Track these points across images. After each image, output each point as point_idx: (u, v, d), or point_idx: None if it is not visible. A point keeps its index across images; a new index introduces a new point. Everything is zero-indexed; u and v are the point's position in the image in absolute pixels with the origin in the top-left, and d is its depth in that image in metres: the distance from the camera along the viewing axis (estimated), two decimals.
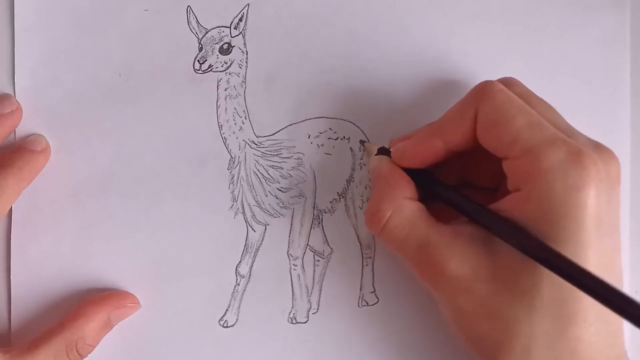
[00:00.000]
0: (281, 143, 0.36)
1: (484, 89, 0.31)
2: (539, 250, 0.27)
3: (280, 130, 0.36)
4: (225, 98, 0.36)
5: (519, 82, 0.33)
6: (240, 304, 0.36)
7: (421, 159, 0.32)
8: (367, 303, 0.37)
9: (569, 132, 0.30)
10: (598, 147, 0.30)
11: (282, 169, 0.36)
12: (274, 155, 0.36)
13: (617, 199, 0.30)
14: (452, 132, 0.31)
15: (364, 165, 0.37)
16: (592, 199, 0.27)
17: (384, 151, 0.34)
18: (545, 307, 0.28)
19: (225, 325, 0.36)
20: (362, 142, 0.36)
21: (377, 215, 0.31)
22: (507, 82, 0.32)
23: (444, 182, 0.33)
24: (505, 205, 0.29)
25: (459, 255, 0.29)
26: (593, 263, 0.27)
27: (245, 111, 0.36)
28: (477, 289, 0.29)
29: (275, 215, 0.36)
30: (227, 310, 0.36)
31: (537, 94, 0.33)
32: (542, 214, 0.28)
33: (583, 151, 0.28)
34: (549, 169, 0.28)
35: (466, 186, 0.34)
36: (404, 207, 0.31)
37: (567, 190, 0.27)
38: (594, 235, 0.27)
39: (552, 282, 0.27)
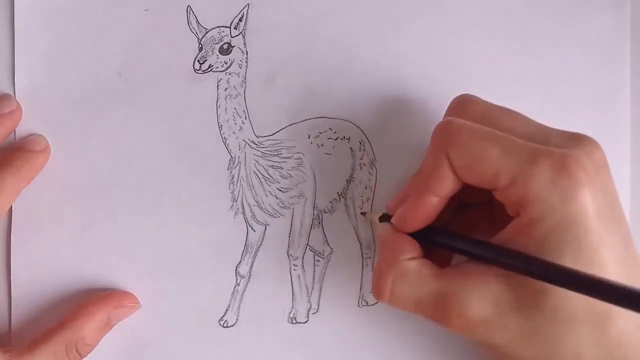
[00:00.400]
0: (281, 143, 0.36)
1: (446, 131, 0.30)
2: (554, 275, 0.27)
3: (280, 130, 0.36)
4: (225, 98, 0.36)
5: (475, 99, 0.32)
6: (240, 304, 0.36)
7: (424, 220, 0.31)
8: (367, 303, 0.37)
9: (542, 134, 0.30)
10: (575, 139, 0.29)
11: (282, 169, 0.36)
12: (274, 155, 0.36)
13: (612, 188, 0.29)
14: (439, 184, 0.30)
15: (364, 165, 0.37)
16: (590, 203, 0.27)
17: (386, 217, 0.33)
18: (580, 313, 0.27)
19: (225, 325, 0.36)
20: (363, 213, 0.36)
21: (379, 285, 0.31)
22: (465, 103, 0.32)
23: (443, 229, 0.32)
24: (510, 234, 0.29)
25: (477, 296, 0.28)
26: (610, 259, 0.27)
27: (245, 111, 0.36)
28: (508, 322, 0.28)
29: (275, 215, 0.36)
30: (227, 310, 0.36)
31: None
32: (548, 233, 0.27)
33: (566, 157, 0.27)
34: (540, 189, 0.27)
35: (462, 206, 0.34)
36: (408, 270, 0.30)
37: (564, 203, 0.27)
38: (603, 234, 0.27)
39: None
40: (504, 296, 0.28)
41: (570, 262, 0.27)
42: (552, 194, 0.27)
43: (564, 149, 0.28)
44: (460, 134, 0.29)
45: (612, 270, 0.27)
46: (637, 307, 0.24)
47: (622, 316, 0.27)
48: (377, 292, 0.31)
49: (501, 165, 0.28)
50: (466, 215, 0.34)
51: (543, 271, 0.27)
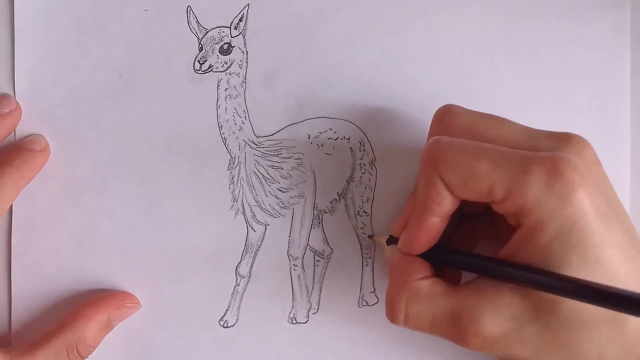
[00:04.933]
0: (281, 143, 0.36)
1: (434, 153, 0.29)
2: (565, 287, 0.27)
3: (280, 130, 0.36)
4: (225, 98, 0.36)
5: (457, 110, 0.32)
6: (240, 304, 0.36)
7: (429, 242, 0.31)
8: (367, 303, 0.37)
9: (529, 139, 0.30)
10: (563, 140, 0.29)
11: (282, 169, 0.36)
12: (274, 155, 0.36)
13: (607, 184, 0.29)
14: (438, 206, 0.30)
15: (364, 165, 0.37)
16: (587, 203, 0.27)
17: (393, 240, 0.33)
18: (596, 314, 0.27)
19: (225, 325, 0.36)
20: (370, 236, 0.36)
21: (392, 308, 0.31)
22: (448, 116, 0.31)
23: (451, 249, 0.32)
24: (515, 246, 0.29)
25: (493, 312, 0.28)
26: (617, 257, 0.27)
27: (245, 111, 0.36)
28: (526, 334, 0.28)
29: (275, 215, 0.36)
30: (227, 310, 0.36)
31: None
32: (551, 240, 0.27)
33: (557, 161, 0.27)
34: (537, 198, 0.27)
35: (464, 216, 0.34)
36: (419, 291, 0.30)
37: (562, 208, 0.27)
38: (606, 233, 0.27)
39: None
40: (520, 308, 0.28)
41: (577, 265, 0.27)
42: (549, 201, 0.27)
43: (553, 152, 0.28)
44: (449, 154, 0.29)
45: (620, 268, 0.27)
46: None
47: None
48: (391, 315, 0.31)
49: (494, 179, 0.28)
50: (469, 224, 0.34)
51: (553, 284, 0.27)
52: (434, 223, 0.30)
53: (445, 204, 0.30)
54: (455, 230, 0.33)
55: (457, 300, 0.29)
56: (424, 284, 0.30)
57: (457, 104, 0.32)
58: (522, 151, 0.28)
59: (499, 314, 0.28)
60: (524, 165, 0.27)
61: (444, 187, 0.29)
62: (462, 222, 0.34)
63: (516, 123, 0.31)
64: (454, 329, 0.29)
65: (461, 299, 0.29)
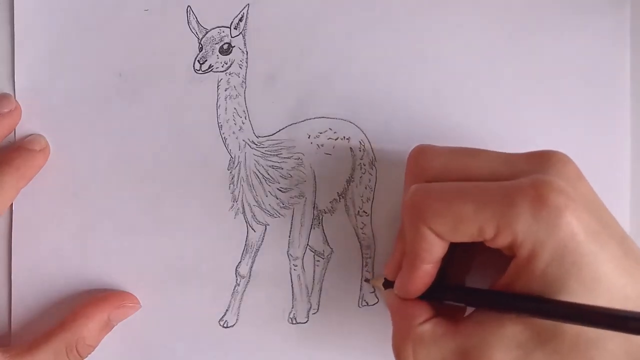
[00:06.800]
0: (281, 143, 0.36)
1: (416, 204, 0.29)
2: (563, 314, 0.27)
3: (280, 130, 0.36)
4: (225, 98, 0.36)
5: (430, 150, 0.32)
6: (240, 304, 0.36)
7: (424, 286, 0.31)
8: (367, 303, 0.37)
9: (508, 166, 0.29)
10: (542, 160, 0.29)
11: (282, 169, 0.36)
12: (274, 155, 0.36)
13: (594, 197, 0.29)
14: (428, 253, 0.30)
15: (364, 165, 0.37)
16: (576, 225, 0.27)
17: (389, 283, 0.33)
18: (601, 330, 0.27)
19: (225, 325, 0.36)
20: (367, 280, 0.36)
21: (401, 356, 0.30)
22: (422, 159, 0.31)
23: (449, 286, 0.32)
24: (511, 276, 0.29)
25: (498, 344, 0.28)
26: (612, 272, 0.27)
27: (245, 111, 0.36)
28: None
29: (275, 215, 0.36)
30: (227, 310, 0.36)
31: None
32: (546, 266, 0.27)
33: (540, 188, 0.27)
34: (525, 229, 0.27)
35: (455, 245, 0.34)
36: (424, 335, 0.30)
37: (551, 234, 0.27)
38: (598, 251, 0.27)
39: None
40: (523, 336, 0.28)
41: (574, 287, 0.27)
42: (538, 230, 0.27)
43: (535, 176, 0.28)
44: (432, 202, 0.29)
45: (617, 282, 0.27)
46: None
47: None
48: None
49: (482, 220, 0.28)
50: (462, 251, 0.34)
51: (553, 311, 0.27)
52: (427, 269, 0.30)
53: (435, 250, 0.30)
54: (450, 260, 0.33)
55: (461, 339, 0.29)
56: (427, 328, 0.30)
57: (430, 144, 0.32)
58: (503, 183, 0.28)
59: (505, 345, 0.28)
60: (509, 198, 0.27)
61: (433, 235, 0.29)
62: (456, 249, 0.34)
63: (491, 151, 0.31)
64: None
65: (465, 336, 0.29)
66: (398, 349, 0.31)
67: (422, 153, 0.32)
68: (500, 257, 0.29)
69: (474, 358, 0.29)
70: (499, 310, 0.29)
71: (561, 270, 0.27)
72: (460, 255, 0.34)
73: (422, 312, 0.31)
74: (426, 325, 0.30)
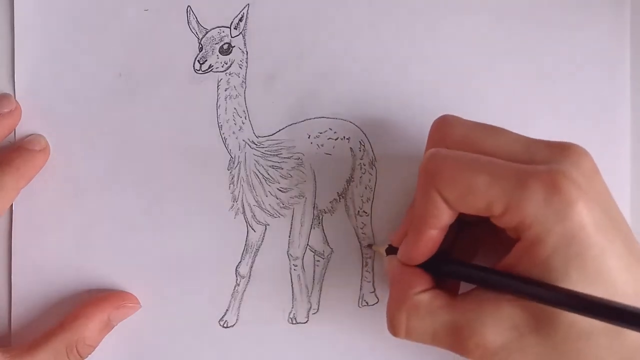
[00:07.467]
0: (281, 143, 0.36)
1: (432, 166, 0.29)
2: (563, 300, 0.27)
3: (280, 130, 0.36)
4: (225, 98, 0.36)
5: (454, 121, 0.31)
6: (240, 304, 0.36)
7: (428, 253, 0.31)
8: (367, 303, 0.37)
9: (527, 150, 0.29)
10: (561, 150, 0.29)
11: (282, 169, 0.36)
12: (274, 155, 0.36)
13: (607, 194, 0.29)
14: (435, 219, 0.30)
15: (364, 165, 0.37)
16: (586, 217, 0.27)
17: (392, 250, 0.33)
18: (596, 324, 0.27)
19: (225, 325, 0.36)
20: (369, 245, 0.36)
21: (393, 322, 0.31)
22: (445, 127, 0.31)
23: (451, 260, 0.32)
24: (514, 258, 0.29)
25: (493, 324, 0.28)
26: (616, 268, 0.27)
27: (245, 111, 0.36)
28: (526, 345, 0.28)
29: (275, 215, 0.36)
30: (227, 310, 0.36)
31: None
32: (551, 253, 0.27)
33: (555, 175, 0.27)
34: (535, 213, 0.27)
35: (464, 224, 0.34)
36: (420, 304, 0.30)
37: (560, 222, 0.27)
38: (605, 244, 0.27)
39: None
40: (519, 319, 0.28)
41: (576, 278, 0.27)
42: (547, 216, 0.27)
43: (551, 165, 0.28)
44: (446, 168, 0.29)
45: (619, 278, 0.27)
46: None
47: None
48: (393, 329, 0.31)
49: (492, 195, 0.28)
50: (470, 232, 0.34)
51: (551, 297, 0.27)
52: (432, 235, 0.30)
53: (443, 217, 0.30)
54: (456, 238, 0.33)
55: (457, 314, 0.29)
56: (424, 298, 0.30)
57: (455, 114, 0.32)
58: (520, 165, 0.28)
59: (499, 326, 0.28)
60: (523, 180, 0.27)
61: (441, 201, 0.29)
62: (463, 230, 0.34)
63: (513, 133, 0.31)
64: (455, 341, 0.29)
65: (461, 311, 0.29)
66: (392, 316, 0.31)
67: (445, 121, 0.32)
68: (507, 244, 0.29)
69: (466, 334, 0.29)
70: (498, 290, 0.29)
71: (564, 259, 0.27)
72: (466, 239, 0.34)
73: (422, 281, 0.31)
74: (423, 295, 0.30)
